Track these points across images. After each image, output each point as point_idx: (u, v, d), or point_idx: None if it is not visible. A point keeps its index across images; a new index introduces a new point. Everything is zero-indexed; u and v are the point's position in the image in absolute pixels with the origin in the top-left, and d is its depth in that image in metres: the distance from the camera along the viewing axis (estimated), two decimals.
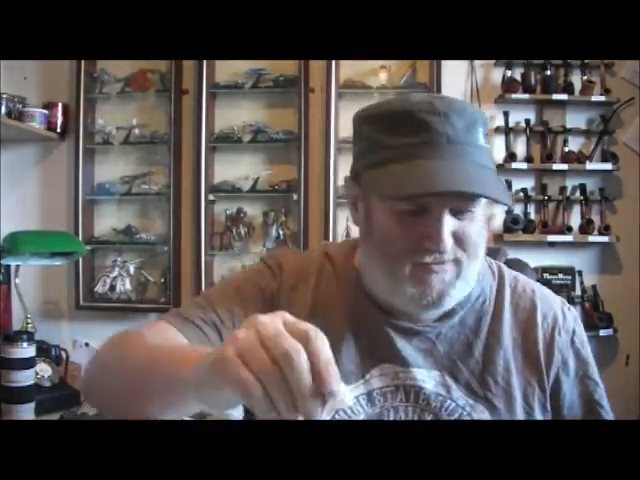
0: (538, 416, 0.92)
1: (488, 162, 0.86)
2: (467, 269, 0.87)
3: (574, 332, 0.96)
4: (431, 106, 0.83)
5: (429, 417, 0.90)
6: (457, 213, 0.84)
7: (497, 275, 1.00)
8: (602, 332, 2.56)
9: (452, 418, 0.90)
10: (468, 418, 0.90)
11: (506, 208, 2.59)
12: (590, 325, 2.57)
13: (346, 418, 0.90)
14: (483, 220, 0.88)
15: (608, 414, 0.95)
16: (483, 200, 0.85)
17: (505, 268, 1.02)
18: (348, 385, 0.91)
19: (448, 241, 0.83)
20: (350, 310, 0.95)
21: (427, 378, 0.91)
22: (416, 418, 0.91)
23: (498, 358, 0.92)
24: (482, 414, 0.90)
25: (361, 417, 0.90)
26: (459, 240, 0.85)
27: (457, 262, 0.86)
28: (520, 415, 0.91)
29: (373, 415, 0.91)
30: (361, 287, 0.95)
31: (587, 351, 0.97)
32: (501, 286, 0.98)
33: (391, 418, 0.91)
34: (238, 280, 1.00)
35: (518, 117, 2.65)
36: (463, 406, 0.90)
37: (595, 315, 2.58)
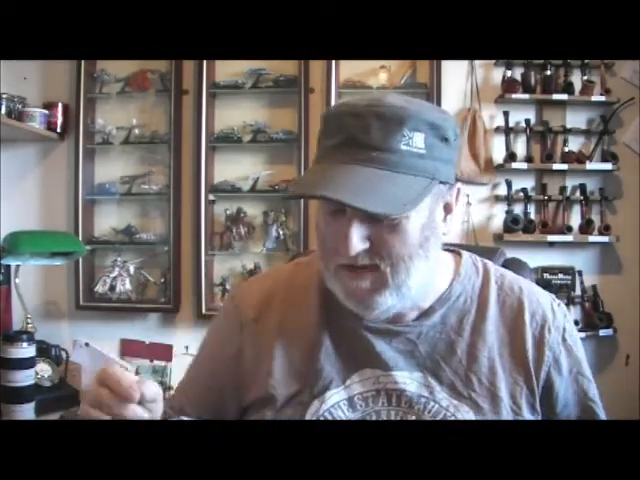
0: (527, 416, 0.89)
1: (401, 167, 0.81)
2: (394, 279, 0.84)
3: (564, 329, 0.94)
4: (354, 108, 0.83)
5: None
6: (374, 219, 0.82)
7: (482, 272, 0.98)
8: (602, 332, 2.56)
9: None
10: (452, 419, 0.87)
11: (506, 208, 2.59)
12: (590, 325, 2.57)
13: None
14: (419, 231, 0.84)
15: (601, 411, 0.94)
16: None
17: (491, 265, 1.00)
18: (329, 391, 0.90)
19: (356, 245, 0.82)
20: (326, 316, 0.94)
21: (409, 380, 0.90)
22: None
23: (482, 357, 0.90)
24: (467, 414, 0.88)
25: None
26: (376, 246, 0.83)
27: (376, 269, 0.84)
28: (506, 415, 0.88)
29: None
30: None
31: (579, 348, 0.95)
32: (486, 283, 0.96)
33: None
34: (206, 349, 1.05)
35: (518, 117, 2.64)
36: (447, 407, 0.88)
37: (595, 315, 2.58)
